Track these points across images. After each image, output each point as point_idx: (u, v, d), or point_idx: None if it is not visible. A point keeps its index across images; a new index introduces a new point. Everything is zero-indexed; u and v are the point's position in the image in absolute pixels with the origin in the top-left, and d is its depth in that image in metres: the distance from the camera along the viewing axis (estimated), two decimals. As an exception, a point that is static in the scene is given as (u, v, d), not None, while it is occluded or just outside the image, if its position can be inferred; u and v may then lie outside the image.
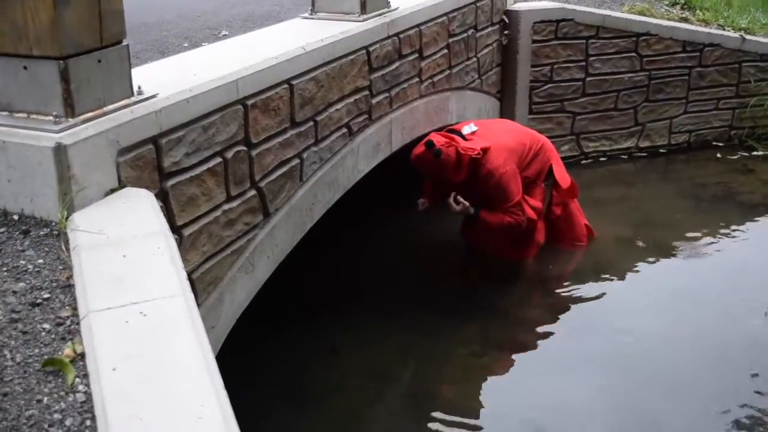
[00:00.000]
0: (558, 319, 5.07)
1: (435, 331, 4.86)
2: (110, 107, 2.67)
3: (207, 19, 5.35)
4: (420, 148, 4.94)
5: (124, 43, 2.73)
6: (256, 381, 4.32)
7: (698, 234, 6.03)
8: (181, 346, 1.87)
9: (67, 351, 1.92)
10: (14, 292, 2.16)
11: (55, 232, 2.44)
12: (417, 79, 5.14)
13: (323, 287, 5.37)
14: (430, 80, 5.33)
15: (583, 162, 7.35)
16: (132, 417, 1.64)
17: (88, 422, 1.70)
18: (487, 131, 5.23)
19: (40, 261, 2.31)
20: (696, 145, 7.71)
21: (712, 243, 5.93)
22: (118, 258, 2.24)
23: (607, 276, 5.48)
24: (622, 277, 5.49)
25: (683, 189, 6.94)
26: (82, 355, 1.90)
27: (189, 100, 2.99)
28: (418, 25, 5.01)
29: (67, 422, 1.70)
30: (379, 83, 4.60)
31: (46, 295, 2.15)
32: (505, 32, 6.71)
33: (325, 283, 5.42)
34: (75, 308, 2.08)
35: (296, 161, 3.86)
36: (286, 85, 3.67)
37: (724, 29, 7.51)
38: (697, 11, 7.81)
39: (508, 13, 6.69)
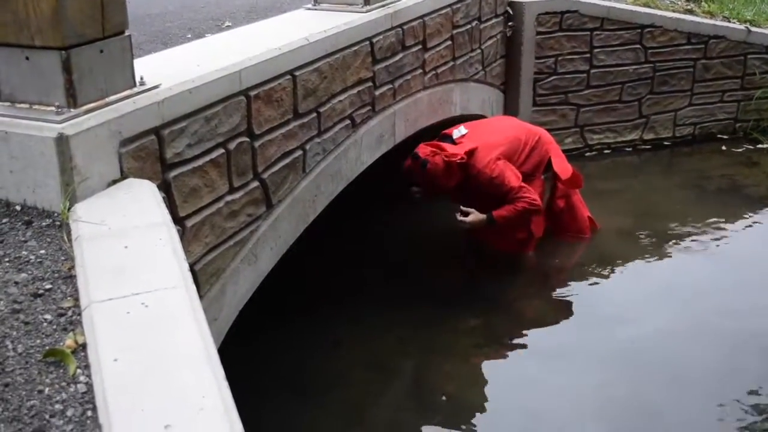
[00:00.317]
0: (560, 311, 5.07)
1: (437, 324, 4.86)
2: (112, 98, 2.66)
3: (210, 10, 5.34)
4: (408, 161, 5.03)
5: (127, 33, 2.72)
6: (258, 373, 4.33)
7: (702, 227, 6.01)
8: (182, 337, 1.87)
9: (69, 342, 1.92)
10: (16, 283, 2.16)
11: (57, 223, 2.44)
12: (420, 71, 5.12)
13: (326, 279, 5.37)
14: (433, 72, 5.32)
15: (588, 154, 7.33)
16: (133, 407, 1.64)
17: (89, 413, 1.70)
18: (476, 132, 5.26)
19: (42, 252, 2.31)
20: (701, 137, 7.68)
21: (716, 236, 5.91)
22: (119, 249, 2.23)
23: (609, 268, 5.47)
24: (625, 270, 5.48)
25: (687, 181, 6.92)
26: (84, 346, 1.90)
27: (192, 90, 2.98)
28: (421, 17, 4.99)
29: (69, 413, 1.70)
30: (382, 75, 4.59)
31: (48, 286, 2.15)
32: (510, 24, 6.68)
33: (327, 275, 5.42)
34: (77, 299, 2.08)
35: (299, 152, 3.85)
36: (289, 76, 3.66)
37: (729, 21, 7.47)
38: (702, 3, 7.77)
39: (512, 4, 6.66)
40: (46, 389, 1.77)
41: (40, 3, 2.43)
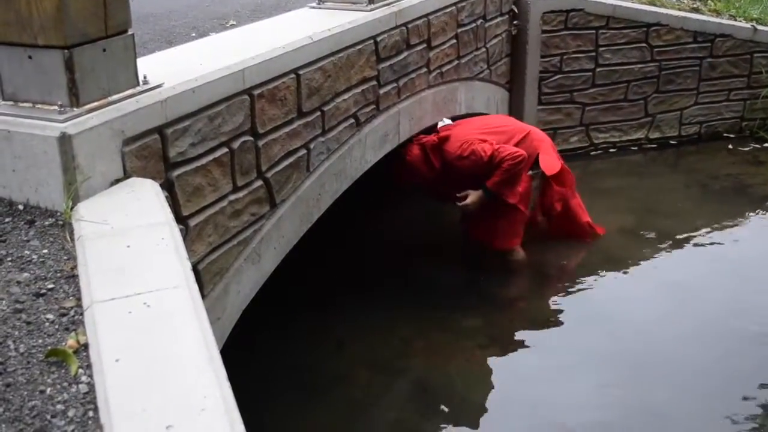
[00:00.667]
0: (563, 311, 5.05)
1: (440, 324, 4.86)
2: (115, 97, 2.65)
3: (215, 9, 5.34)
4: (392, 167, 5.17)
5: (130, 32, 2.71)
6: (261, 373, 4.32)
7: (708, 226, 5.99)
8: (184, 337, 1.86)
9: (71, 342, 1.91)
10: (18, 282, 2.16)
11: (60, 222, 2.43)
12: (425, 70, 5.11)
13: (329, 281, 5.35)
14: (438, 70, 5.30)
15: (593, 153, 7.31)
16: (134, 408, 1.63)
17: (90, 413, 1.69)
18: (460, 124, 5.44)
19: (45, 251, 2.30)
20: (707, 136, 7.65)
21: (722, 235, 5.89)
22: (122, 248, 2.23)
23: (614, 268, 5.45)
24: (629, 269, 5.46)
25: (693, 181, 6.89)
26: (86, 346, 1.89)
27: (195, 89, 2.97)
28: (426, 15, 4.98)
29: (70, 413, 1.69)
30: (386, 73, 4.58)
31: (51, 286, 2.15)
32: (515, 22, 6.66)
33: (330, 277, 5.40)
34: (79, 299, 2.08)
35: (303, 151, 3.84)
36: (293, 75, 3.65)
37: (735, 19, 7.44)
38: (709, 1, 7.74)
39: (517, 2, 6.64)
40: (48, 389, 1.77)
41: (42, 2, 2.43)
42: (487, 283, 5.40)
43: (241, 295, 3.47)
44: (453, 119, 5.66)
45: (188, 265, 2.18)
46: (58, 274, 2.20)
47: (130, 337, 1.85)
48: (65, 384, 1.78)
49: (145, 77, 2.81)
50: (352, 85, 4.21)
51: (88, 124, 2.50)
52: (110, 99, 2.63)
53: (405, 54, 4.78)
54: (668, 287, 5.19)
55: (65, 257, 2.27)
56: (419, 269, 5.52)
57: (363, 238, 5.87)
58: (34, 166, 2.47)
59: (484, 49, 6.10)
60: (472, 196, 5.21)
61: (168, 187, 2.89)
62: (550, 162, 5.40)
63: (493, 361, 4.60)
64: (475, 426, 4.06)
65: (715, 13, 7.47)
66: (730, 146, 7.52)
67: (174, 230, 2.35)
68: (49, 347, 1.90)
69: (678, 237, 5.83)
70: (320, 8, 4.51)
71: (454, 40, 5.50)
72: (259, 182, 3.51)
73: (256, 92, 3.38)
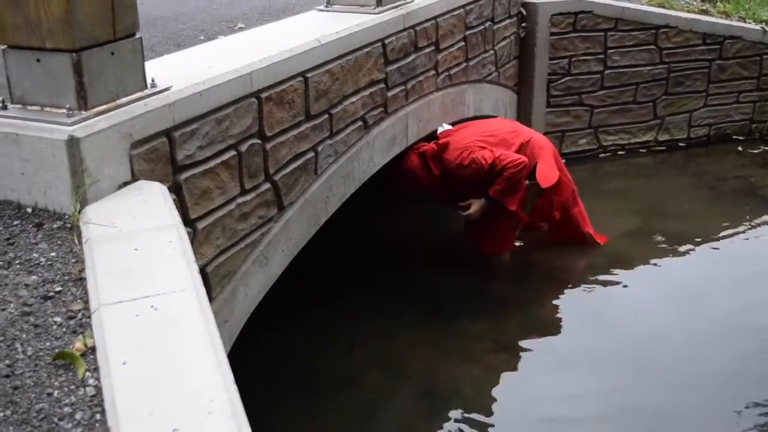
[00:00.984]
0: (570, 313, 5.03)
1: (448, 328, 4.85)
2: (123, 100, 2.66)
3: (223, 11, 5.35)
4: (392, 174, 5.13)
5: (138, 35, 2.72)
6: (268, 375, 4.32)
7: (717, 228, 5.97)
8: (191, 340, 1.86)
9: (78, 344, 1.91)
10: (26, 285, 2.16)
11: (68, 225, 2.44)
12: (433, 72, 5.10)
13: (337, 284, 5.35)
14: (446, 73, 5.30)
15: (602, 155, 7.30)
16: (142, 411, 1.63)
17: (98, 416, 1.69)
18: (459, 129, 5.37)
19: (53, 254, 2.31)
20: (716, 138, 7.63)
21: (731, 237, 5.86)
22: (130, 251, 2.23)
23: (621, 270, 5.43)
24: (637, 271, 5.44)
25: (702, 183, 6.87)
26: (93, 349, 1.89)
27: (203, 92, 2.98)
28: (434, 18, 4.98)
29: (77, 416, 1.69)
30: (395, 76, 4.57)
31: (58, 288, 2.15)
32: (523, 24, 6.66)
33: (336, 275, 5.40)
34: (86, 301, 2.08)
35: (311, 154, 3.84)
36: (300, 78, 3.65)
37: (744, 21, 7.42)
38: (718, 3, 7.72)
39: (525, 5, 6.64)
40: (56, 392, 1.77)
41: (51, 5, 2.43)
42: (494, 286, 5.38)
43: (249, 298, 3.47)
44: (455, 123, 5.61)
45: (196, 268, 2.18)
46: (66, 277, 2.20)
47: (138, 340, 1.85)
48: (73, 387, 1.79)
49: (153, 80, 2.82)
50: (360, 88, 4.21)
51: (96, 127, 2.50)
52: (118, 102, 2.64)
53: (413, 56, 4.78)
54: (677, 289, 5.18)
55: (73, 260, 2.28)
56: (427, 273, 5.50)
57: (369, 240, 5.86)
58: (43, 169, 2.48)
59: (492, 52, 6.09)
60: (475, 205, 5.18)
61: (176, 190, 2.90)
62: (548, 173, 5.26)
63: (500, 365, 4.59)
64: (484, 430, 4.05)
65: (724, 15, 7.45)
66: (740, 148, 7.50)
67: (182, 233, 2.35)
68: (57, 350, 1.90)
69: (686, 239, 5.80)
70: (328, 11, 4.52)
71: (463, 43, 5.50)
72: (267, 185, 3.51)
73: (264, 95, 3.38)
